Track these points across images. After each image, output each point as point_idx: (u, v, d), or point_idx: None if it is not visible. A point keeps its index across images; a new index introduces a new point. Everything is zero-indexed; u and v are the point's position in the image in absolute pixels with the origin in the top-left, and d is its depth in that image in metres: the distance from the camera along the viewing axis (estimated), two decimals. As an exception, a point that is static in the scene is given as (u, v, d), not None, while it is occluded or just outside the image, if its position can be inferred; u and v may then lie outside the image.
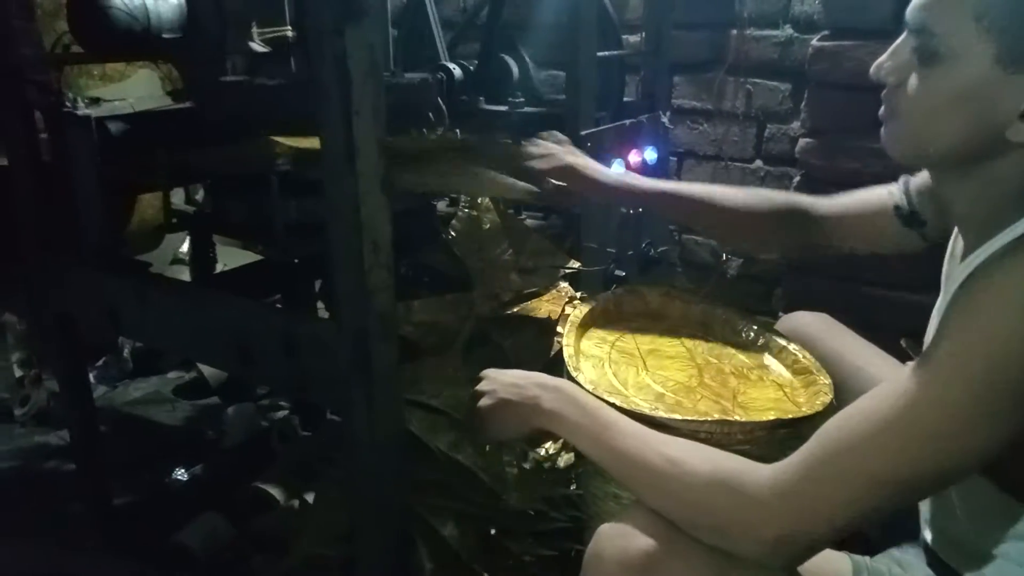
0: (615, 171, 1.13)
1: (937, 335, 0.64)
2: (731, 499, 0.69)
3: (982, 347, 0.60)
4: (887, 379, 0.67)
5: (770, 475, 0.68)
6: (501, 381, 0.91)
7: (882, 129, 0.76)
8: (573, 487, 1.13)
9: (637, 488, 0.77)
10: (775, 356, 1.07)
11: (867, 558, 0.79)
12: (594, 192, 1.10)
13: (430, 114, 1.33)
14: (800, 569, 0.72)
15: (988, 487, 0.70)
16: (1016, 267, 0.62)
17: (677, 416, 0.88)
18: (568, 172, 1.07)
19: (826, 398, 0.94)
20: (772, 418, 0.89)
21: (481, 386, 0.93)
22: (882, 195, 0.98)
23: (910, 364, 0.66)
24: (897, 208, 0.95)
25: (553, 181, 1.08)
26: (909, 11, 0.70)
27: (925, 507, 0.80)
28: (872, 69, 0.75)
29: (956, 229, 0.80)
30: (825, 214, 1.03)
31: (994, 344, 0.59)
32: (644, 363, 1.04)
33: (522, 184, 1.07)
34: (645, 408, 0.91)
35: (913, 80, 0.70)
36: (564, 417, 0.84)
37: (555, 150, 1.10)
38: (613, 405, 0.93)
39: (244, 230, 1.42)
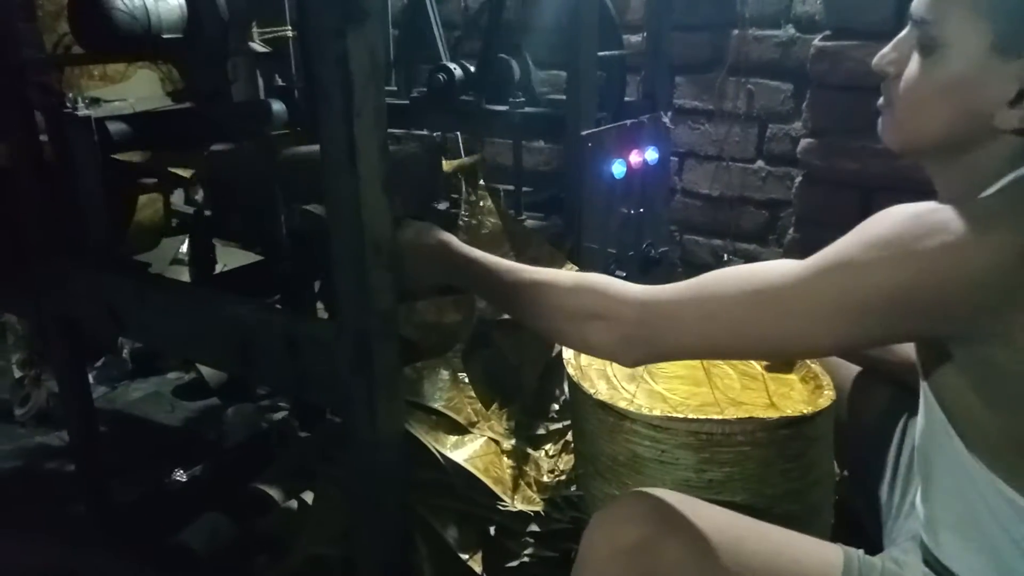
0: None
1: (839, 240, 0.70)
2: (597, 295, 0.80)
3: (858, 254, 0.67)
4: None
5: (643, 288, 0.79)
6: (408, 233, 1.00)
7: (879, 119, 0.78)
8: (573, 488, 1.13)
9: (513, 309, 0.90)
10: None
11: (861, 551, 0.79)
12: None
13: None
14: (791, 560, 0.74)
15: (977, 470, 0.70)
16: (923, 203, 0.68)
17: (678, 415, 0.88)
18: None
19: (827, 398, 0.94)
20: (773, 417, 0.89)
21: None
22: None
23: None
24: None
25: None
26: (914, 4, 0.72)
27: (922, 505, 0.81)
28: (875, 60, 0.76)
29: None
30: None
31: (868, 254, 0.66)
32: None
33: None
34: (644, 408, 0.91)
35: (910, 67, 0.72)
36: (453, 271, 0.96)
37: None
38: (614, 408, 0.93)
39: (245, 238, 1.42)
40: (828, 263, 0.69)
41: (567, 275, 0.86)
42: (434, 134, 1.87)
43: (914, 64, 0.72)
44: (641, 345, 0.78)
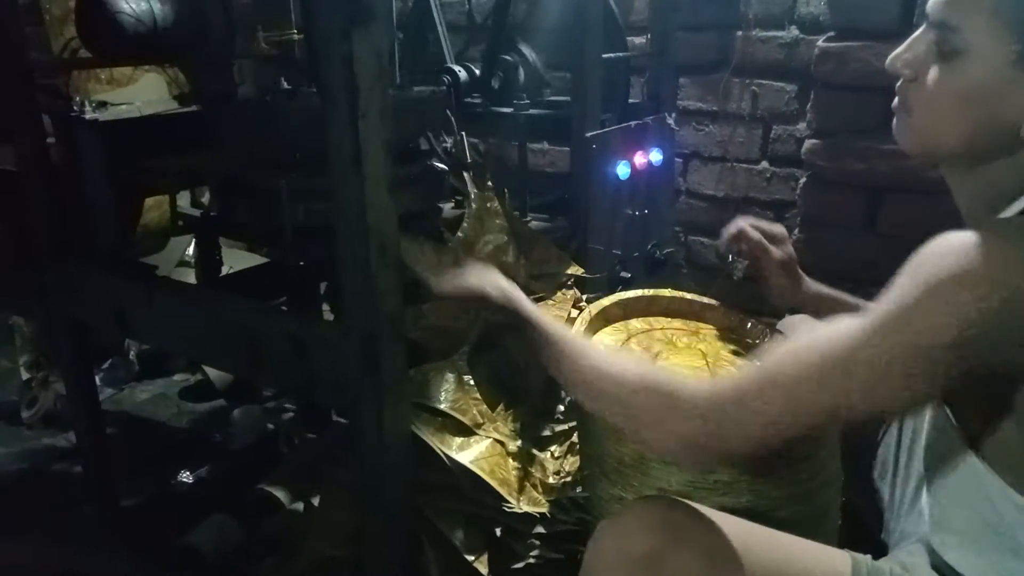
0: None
1: (890, 287, 0.66)
2: (660, 396, 0.74)
3: (920, 299, 0.63)
4: None
5: (706, 385, 0.74)
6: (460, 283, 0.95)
7: (894, 121, 0.77)
8: (579, 490, 1.13)
9: (572, 389, 0.85)
10: None
11: (868, 557, 0.79)
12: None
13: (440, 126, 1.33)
14: (800, 568, 0.74)
15: (982, 478, 0.70)
16: (968, 233, 0.64)
17: None
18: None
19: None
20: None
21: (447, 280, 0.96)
22: None
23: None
24: None
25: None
26: (930, 5, 0.71)
27: (929, 507, 0.80)
28: (888, 61, 0.75)
29: None
30: None
31: (930, 297, 0.62)
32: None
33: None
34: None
35: (931, 75, 0.70)
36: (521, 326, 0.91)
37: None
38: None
39: (251, 233, 1.42)
40: (887, 318, 0.65)
41: (632, 369, 0.78)
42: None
43: (934, 70, 0.70)
44: (706, 450, 0.73)
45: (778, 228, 1.10)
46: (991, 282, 0.60)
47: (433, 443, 1.07)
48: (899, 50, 0.74)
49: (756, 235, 1.08)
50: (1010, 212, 0.68)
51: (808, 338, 0.70)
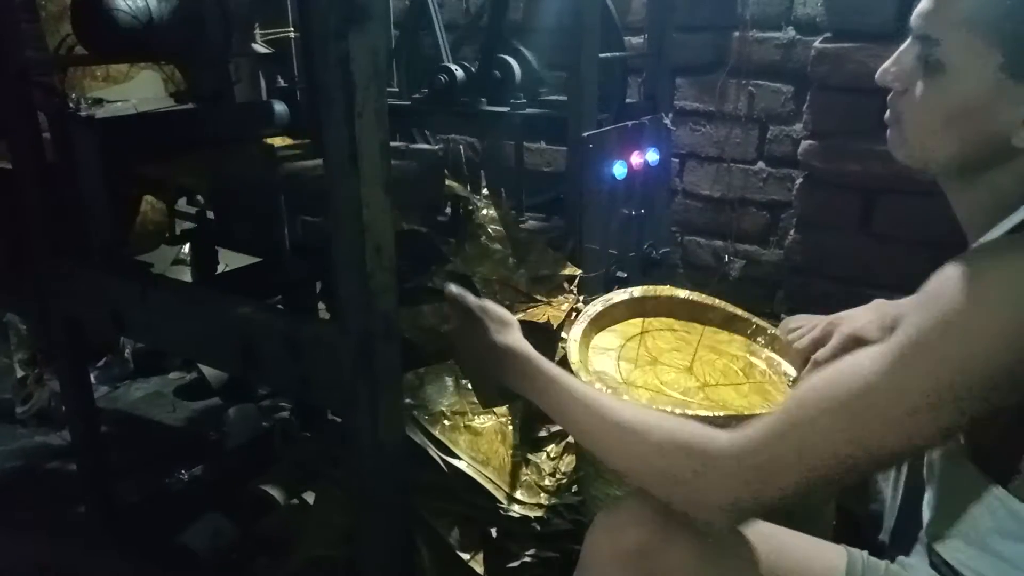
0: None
1: (904, 320, 0.65)
2: (690, 462, 0.70)
3: (937, 336, 0.61)
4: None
5: (730, 442, 0.69)
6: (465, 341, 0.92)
7: (887, 132, 0.77)
8: (574, 489, 1.13)
9: (600, 452, 0.80)
10: (777, 353, 1.08)
11: (865, 552, 0.79)
12: None
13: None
14: (794, 561, 0.74)
15: (981, 482, 0.70)
16: (980, 259, 0.63)
17: (676, 411, 0.88)
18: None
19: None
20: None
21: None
22: None
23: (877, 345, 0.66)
24: None
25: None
26: (913, 18, 0.71)
27: (927, 509, 0.81)
28: (878, 74, 0.75)
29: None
30: None
31: (948, 334, 0.61)
32: (651, 360, 1.04)
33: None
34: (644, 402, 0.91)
35: (918, 88, 0.71)
36: (524, 387, 0.87)
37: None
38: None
39: (249, 248, 1.41)
40: (907, 352, 0.63)
41: (656, 426, 0.74)
42: (436, 148, 1.86)
43: (921, 84, 0.70)
44: (744, 507, 0.69)
45: (827, 328, 0.99)
46: (1006, 306, 0.59)
47: (428, 447, 1.07)
48: (887, 63, 0.74)
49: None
50: (1010, 223, 0.67)
51: (827, 382, 0.67)
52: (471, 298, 0.93)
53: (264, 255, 1.42)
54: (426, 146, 1.51)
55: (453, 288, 0.94)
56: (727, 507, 0.68)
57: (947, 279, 0.62)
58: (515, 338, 0.90)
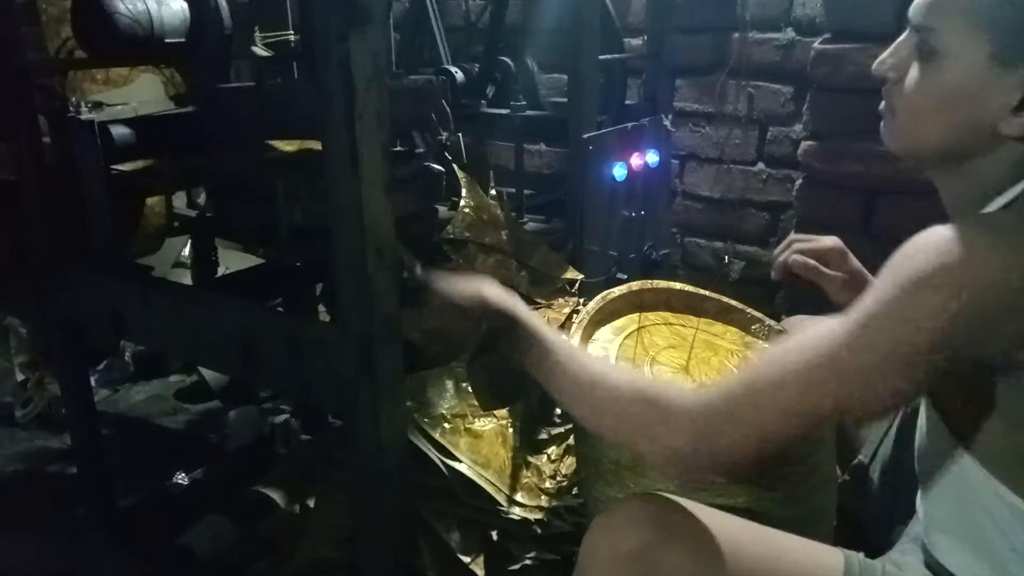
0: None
1: (873, 284, 0.67)
2: (652, 408, 0.73)
3: (900, 298, 0.63)
4: None
5: (694, 395, 0.73)
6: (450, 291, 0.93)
7: (881, 124, 0.78)
8: (575, 491, 1.13)
9: (567, 401, 0.83)
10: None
11: (861, 554, 0.79)
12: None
13: (434, 117, 1.32)
14: (791, 564, 0.74)
15: (979, 476, 0.70)
16: (946, 228, 0.64)
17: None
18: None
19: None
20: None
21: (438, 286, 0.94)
22: None
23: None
24: None
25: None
26: (911, 9, 0.72)
27: (921, 506, 0.81)
28: (875, 65, 0.77)
29: None
30: None
31: (910, 296, 0.63)
32: (651, 361, 1.04)
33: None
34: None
35: (911, 76, 0.72)
36: (507, 335, 0.88)
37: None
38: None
39: (247, 234, 1.42)
40: (870, 315, 0.65)
41: (627, 381, 0.78)
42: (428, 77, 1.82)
43: (914, 71, 0.72)
44: (699, 460, 0.72)
45: (830, 242, 1.02)
46: (967, 277, 0.61)
47: (429, 450, 1.07)
48: (883, 55, 0.76)
49: (807, 262, 1.01)
50: (991, 208, 0.69)
51: (792, 342, 0.70)
52: (436, 272, 0.95)
53: (262, 239, 1.41)
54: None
55: (418, 270, 0.97)
56: (686, 456, 0.72)
57: (915, 247, 0.65)
58: (494, 292, 0.90)
